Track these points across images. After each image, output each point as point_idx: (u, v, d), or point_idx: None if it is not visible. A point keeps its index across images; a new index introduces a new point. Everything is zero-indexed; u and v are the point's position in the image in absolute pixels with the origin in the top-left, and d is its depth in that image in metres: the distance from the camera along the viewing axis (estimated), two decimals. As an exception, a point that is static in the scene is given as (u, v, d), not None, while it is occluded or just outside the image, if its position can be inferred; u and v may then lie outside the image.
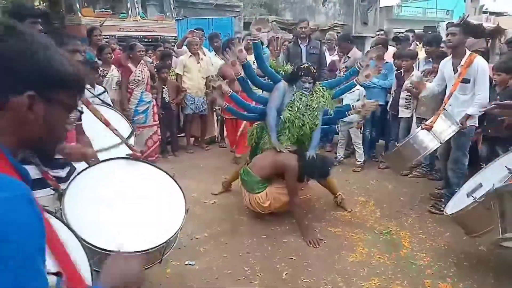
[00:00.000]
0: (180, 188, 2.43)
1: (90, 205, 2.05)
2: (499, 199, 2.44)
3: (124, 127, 3.14)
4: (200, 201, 4.18)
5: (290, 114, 3.65)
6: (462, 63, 3.72)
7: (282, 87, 3.75)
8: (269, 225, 3.65)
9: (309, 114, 3.67)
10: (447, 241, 3.40)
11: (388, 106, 5.30)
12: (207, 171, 4.99)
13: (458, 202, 3.01)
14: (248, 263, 3.06)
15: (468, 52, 3.77)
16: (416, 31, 8.33)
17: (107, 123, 2.49)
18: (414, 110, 4.91)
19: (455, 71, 3.80)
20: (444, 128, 3.62)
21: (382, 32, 7.73)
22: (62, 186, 2.16)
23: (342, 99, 4.66)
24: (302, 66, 3.76)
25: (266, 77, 4.01)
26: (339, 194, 4.07)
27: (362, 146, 5.34)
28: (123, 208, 2.14)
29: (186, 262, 3.04)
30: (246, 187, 3.70)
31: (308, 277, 2.88)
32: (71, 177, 2.20)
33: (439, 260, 3.10)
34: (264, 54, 3.93)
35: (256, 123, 4.15)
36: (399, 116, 5.08)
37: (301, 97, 3.69)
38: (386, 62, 5.32)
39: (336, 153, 5.55)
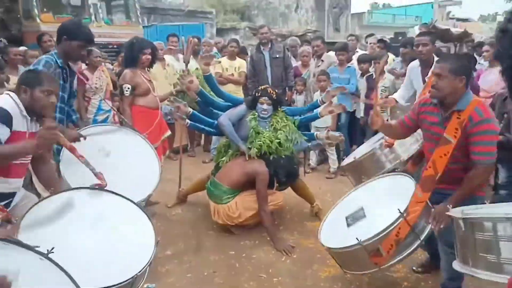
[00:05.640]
0: (149, 218, 2.23)
1: (48, 237, 1.81)
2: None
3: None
4: (165, 215, 3.91)
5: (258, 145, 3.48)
6: (429, 73, 3.36)
7: (243, 109, 3.65)
8: (237, 239, 3.42)
9: (279, 147, 3.49)
10: (424, 249, 3.25)
11: (362, 112, 5.18)
12: (174, 182, 4.71)
13: (334, 227, 2.69)
14: (214, 283, 2.82)
15: (436, 60, 3.60)
16: (387, 36, 8.25)
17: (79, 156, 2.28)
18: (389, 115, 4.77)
19: (424, 81, 3.58)
20: (407, 145, 3.16)
21: (353, 38, 7.66)
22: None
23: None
24: (260, 88, 3.67)
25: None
26: (316, 204, 3.90)
27: (335, 152, 5.20)
28: (86, 242, 1.94)
29: (146, 285, 2.75)
30: (214, 199, 3.49)
31: (278, 296, 2.67)
32: (28, 208, 1.95)
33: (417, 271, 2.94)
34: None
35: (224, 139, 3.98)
36: None
37: (252, 119, 3.55)
38: (348, 66, 5.26)
39: (309, 160, 5.38)
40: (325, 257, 3.13)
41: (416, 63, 3.80)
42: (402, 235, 2.26)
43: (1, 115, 1.98)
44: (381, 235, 2.26)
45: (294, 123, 3.69)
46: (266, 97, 3.55)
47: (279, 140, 3.48)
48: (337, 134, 3.90)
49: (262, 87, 3.69)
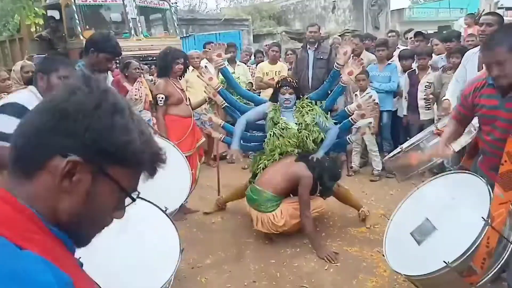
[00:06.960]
0: (174, 225, 2.21)
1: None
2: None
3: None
4: (204, 223, 3.88)
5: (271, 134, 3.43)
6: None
7: (267, 106, 3.57)
8: (278, 247, 3.31)
9: (308, 131, 3.40)
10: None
11: (404, 110, 4.94)
12: (213, 189, 4.69)
13: (401, 247, 2.32)
14: (254, 293, 2.73)
15: (482, 49, 3.27)
16: (430, 31, 7.87)
17: None
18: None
19: (480, 68, 3.20)
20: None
21: (393, 34, 7.36)
22: None
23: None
24: (280, 78, 3.62)
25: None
26: (362, 210, 3.71)
27: (379, 154, 4.97)
28: (112, 249, 1.88)
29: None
30: (258, 207, 3.33)
31: (322, 308, 2.53)
32: None
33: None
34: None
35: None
36: (420, 118, 4.69)
37: (272, 111, 3.47)
38: (389, 63, 5.02)
39: (351, 162, 5.19)
40: (372, 266, 2.97)
41: (474, 50, 3.42)
42: (493, 244, 1.94)
43: (12, 108, 1.99)
44: (471, 251, 1.93)
45: (321, 107, 3.58)
46: (287, 86, 3.46)
47: (293, 126, 3.41)
48: (365, 98, 3.67)
49: (282, 76, 3.62)
